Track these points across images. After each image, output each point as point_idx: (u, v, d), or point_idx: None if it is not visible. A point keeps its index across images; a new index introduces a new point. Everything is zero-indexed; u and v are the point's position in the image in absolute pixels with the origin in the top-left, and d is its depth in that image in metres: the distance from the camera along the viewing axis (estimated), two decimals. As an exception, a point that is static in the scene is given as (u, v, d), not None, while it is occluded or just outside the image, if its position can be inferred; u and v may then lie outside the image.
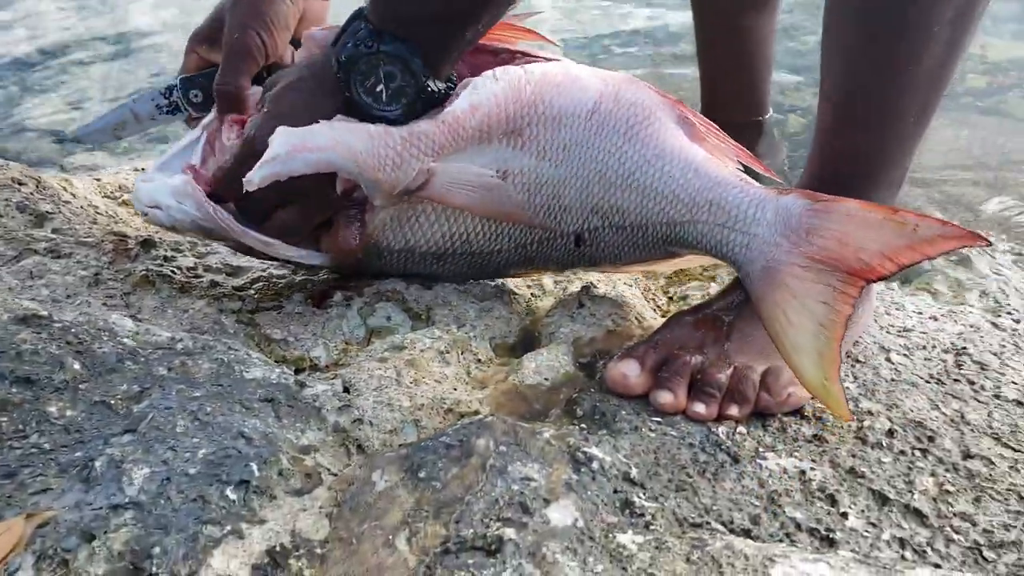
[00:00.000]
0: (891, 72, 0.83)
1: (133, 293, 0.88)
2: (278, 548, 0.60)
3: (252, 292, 0.94)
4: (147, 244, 0.97)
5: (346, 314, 0.91)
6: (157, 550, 0.58)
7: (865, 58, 0.84)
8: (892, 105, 0.84)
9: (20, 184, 0.97)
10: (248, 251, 0.91)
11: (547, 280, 1.04)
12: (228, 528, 0.61)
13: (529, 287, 1.01)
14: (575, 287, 1.01)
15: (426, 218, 0.89)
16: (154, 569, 0.57)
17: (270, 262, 0.98)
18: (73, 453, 0.63)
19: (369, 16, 0.82)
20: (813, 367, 0.73)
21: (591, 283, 1.00)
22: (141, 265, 0.92)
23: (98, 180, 1.12)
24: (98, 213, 1.01)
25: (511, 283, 1.00)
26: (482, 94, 0.83)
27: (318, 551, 0.61)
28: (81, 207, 1.00)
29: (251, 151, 0.83)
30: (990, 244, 0.73)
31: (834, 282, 0.75)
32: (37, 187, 0.97)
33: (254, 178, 0.80)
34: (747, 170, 0.87)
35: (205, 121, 0.94)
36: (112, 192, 1.10)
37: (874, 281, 0.75)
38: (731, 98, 1.53)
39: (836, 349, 0.73)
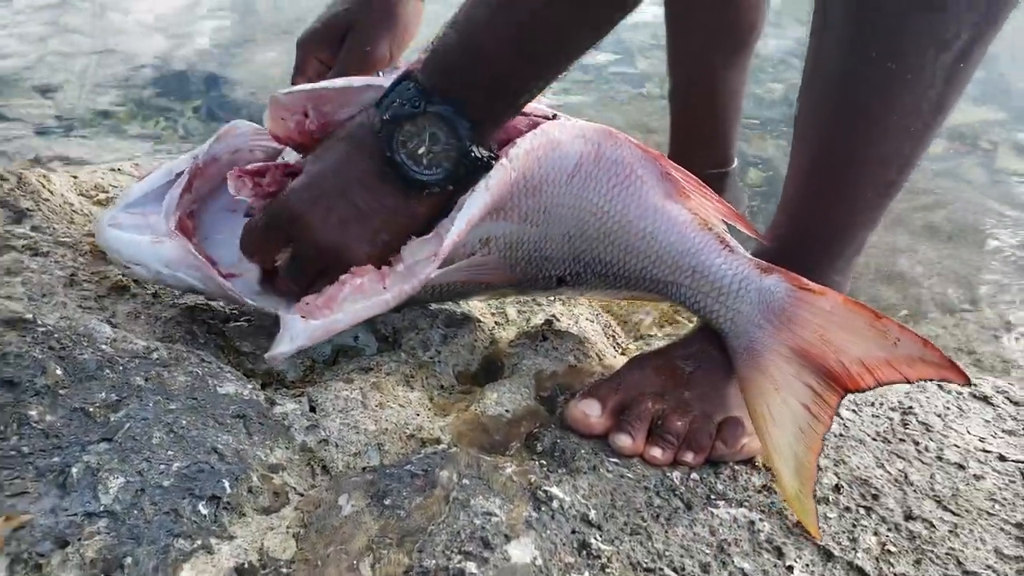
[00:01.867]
0: (861, 160, 0.85)
1: (107, 296, 0.89)
2: (246, 566, 0.62)
3: (222, 304, 0.94)
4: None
5: (315, 332, 0.92)
6: (129, 560, 0.59)
7: (836, 144, 0.86)
8: (860, 186, 0.86)
9: (2, 180, 0.97)
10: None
11: (511, 309, 1.06)
12: (199, 543, 0.62)
13: (493, 315, 1.04)
14: (538, 319, 1.04)
15: None
16: (125, 579, 0.59)
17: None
18: (51, 458, 0.64)
19: (419, 76, 0.77)
20: (791, 475, 0.75)
21: (554, 316, 1.03)
22: (116, 269, 0.93)
23: (75, 178, 1.12)
24: (75, 212, 1.02)
25: (476, 311, 1.02)
26: (475, 209, 0.80)
27: (284, 571, 0.63)
28: (59, 205, 1.01)
29: (281, 215, 0.80)
30: (969, 383, 0.74)
31: (814, 384, 0.76)
32: (18, 183, 0.98)
33: (278, 356, 0.78)
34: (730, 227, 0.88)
35: (177, 165, 0.89)
36: (88, 191, 1.10)
37: (852, 391, 0.76)
38: (700, 148, 1.55)
39: (813, 463, 0.74)
